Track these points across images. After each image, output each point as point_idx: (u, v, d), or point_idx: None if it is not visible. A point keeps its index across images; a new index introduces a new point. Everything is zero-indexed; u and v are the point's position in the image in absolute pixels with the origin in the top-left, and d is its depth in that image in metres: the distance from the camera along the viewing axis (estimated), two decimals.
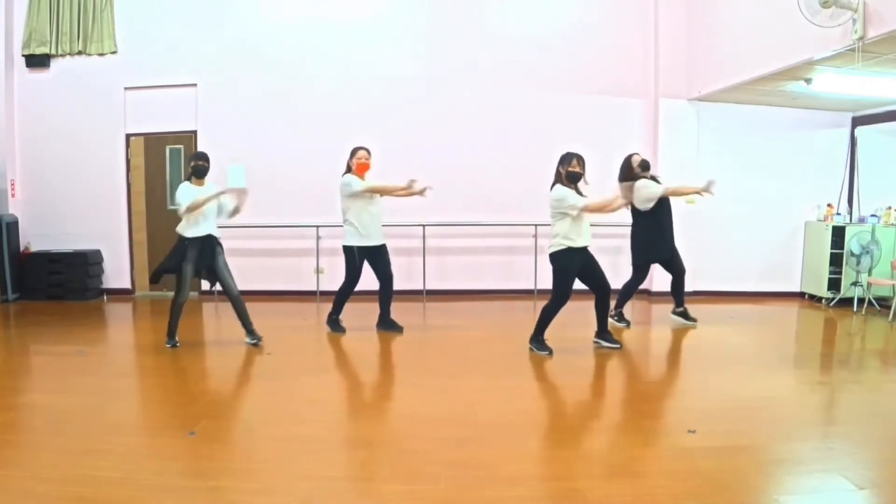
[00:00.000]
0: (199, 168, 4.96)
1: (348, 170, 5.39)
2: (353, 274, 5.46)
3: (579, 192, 4.69)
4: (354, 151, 5.40)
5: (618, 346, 5.01)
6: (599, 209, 4.71)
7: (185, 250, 4.88)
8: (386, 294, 5.60)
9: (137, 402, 4.04)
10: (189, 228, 4.87)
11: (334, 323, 5.64)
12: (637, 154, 5.67)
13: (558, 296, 4.76)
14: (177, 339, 5.01)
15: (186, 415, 3.56)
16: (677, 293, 5.84)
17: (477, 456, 3.01)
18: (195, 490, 2.66)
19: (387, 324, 5.61)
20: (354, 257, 5.40)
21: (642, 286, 6.04)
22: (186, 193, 4.85)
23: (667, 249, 5.64)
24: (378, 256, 5.47)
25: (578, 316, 5.40)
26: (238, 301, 5.06)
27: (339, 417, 3.56)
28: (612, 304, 5.31)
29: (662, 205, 5.54)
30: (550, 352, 4.79)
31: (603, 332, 5.04)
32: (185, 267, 4.86)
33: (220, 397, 4.09)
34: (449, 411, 3.65)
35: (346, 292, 5.56)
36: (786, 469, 2.92)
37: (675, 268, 5.73)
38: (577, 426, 3.63)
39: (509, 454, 3.06)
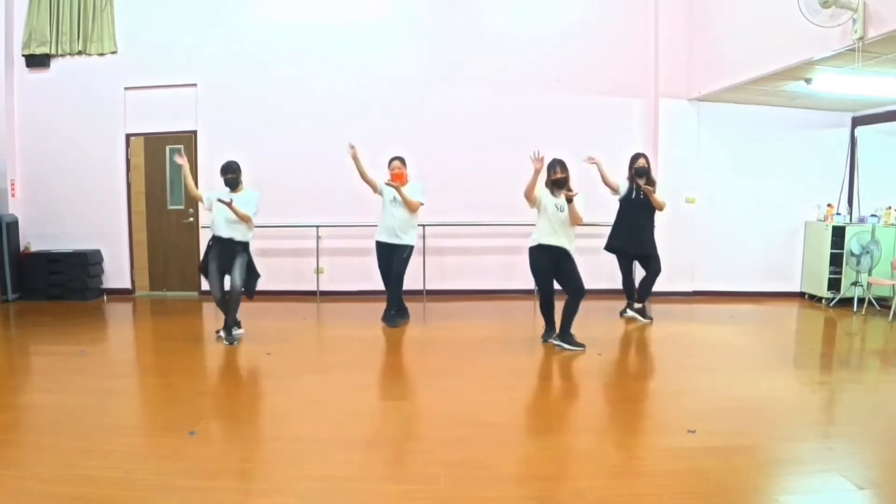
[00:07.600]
0: (227, 181, 5.12)
1: None
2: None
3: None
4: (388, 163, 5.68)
5: (580, 348, 4.96)
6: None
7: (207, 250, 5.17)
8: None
9: (137, 402, 4.03)
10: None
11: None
12: (642, 158, 5.90)
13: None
14: (231, 332, 5.16)
15: (186, 415, 3.56)
16: (641, 290, 6.18)
17: (477, 456, 3.00)
18: (195, 490, 2.65)
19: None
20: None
21: None
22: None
23: (621, 242, 5.97)
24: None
25: (580, 316, 5.40)
26: (233, 297, 5.11)
27: (339, 417, 3.56)
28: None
29: (623, 202, 5.94)
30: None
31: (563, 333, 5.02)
32: (210, 265, 5.12)
33: (220, 397, 4.09)
34: (449, 411, 3.65)
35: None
36: (786, 469, 2.92)
37: (648, 267, 6.07)
38: (577, 426, 3.62)
39: (509, 454, 3.06)
